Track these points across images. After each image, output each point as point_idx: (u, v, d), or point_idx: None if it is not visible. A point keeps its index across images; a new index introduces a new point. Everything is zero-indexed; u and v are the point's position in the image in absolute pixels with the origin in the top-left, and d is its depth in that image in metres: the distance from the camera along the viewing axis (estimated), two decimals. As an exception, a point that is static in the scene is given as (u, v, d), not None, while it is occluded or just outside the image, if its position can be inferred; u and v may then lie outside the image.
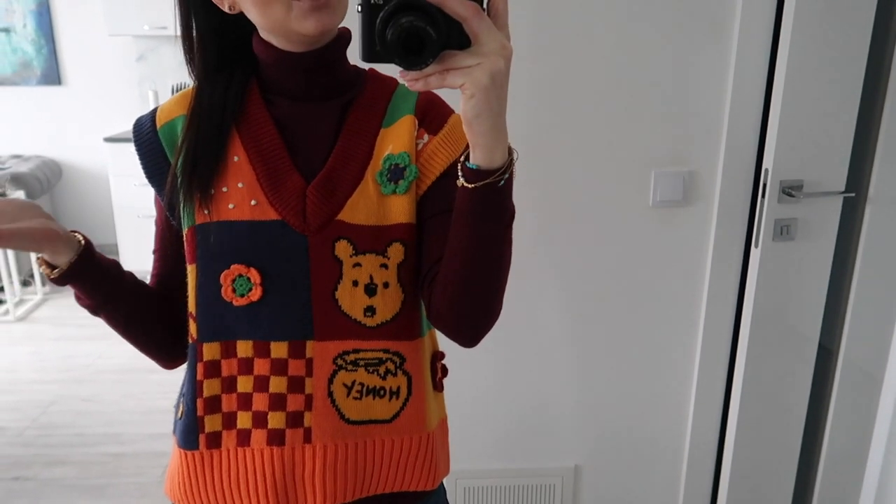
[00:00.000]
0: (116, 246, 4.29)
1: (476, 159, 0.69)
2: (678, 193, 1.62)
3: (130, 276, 0.89)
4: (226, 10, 0.81)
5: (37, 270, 4.03)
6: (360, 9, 0.63)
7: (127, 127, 4.45)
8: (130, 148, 4.35)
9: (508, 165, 0.69)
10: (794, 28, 1.46)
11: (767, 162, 1.56)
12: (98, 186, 4.64)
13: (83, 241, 0.82)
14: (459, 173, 0.71)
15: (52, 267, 0.81)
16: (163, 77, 4.41)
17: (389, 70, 0.76)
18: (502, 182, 0.70)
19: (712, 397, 1.77)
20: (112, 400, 2.96)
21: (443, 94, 0.80)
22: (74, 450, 2.61)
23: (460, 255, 0.76)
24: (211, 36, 0.85)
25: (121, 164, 4.03)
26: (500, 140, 0.68)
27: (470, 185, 0.70)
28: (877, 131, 1.58)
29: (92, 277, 0.83)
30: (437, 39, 0.61)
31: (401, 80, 0.66)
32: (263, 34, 0.83)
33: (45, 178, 4.42)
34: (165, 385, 3.01)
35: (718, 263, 1.67)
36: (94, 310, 0.87)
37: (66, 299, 4.09)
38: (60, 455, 2.58)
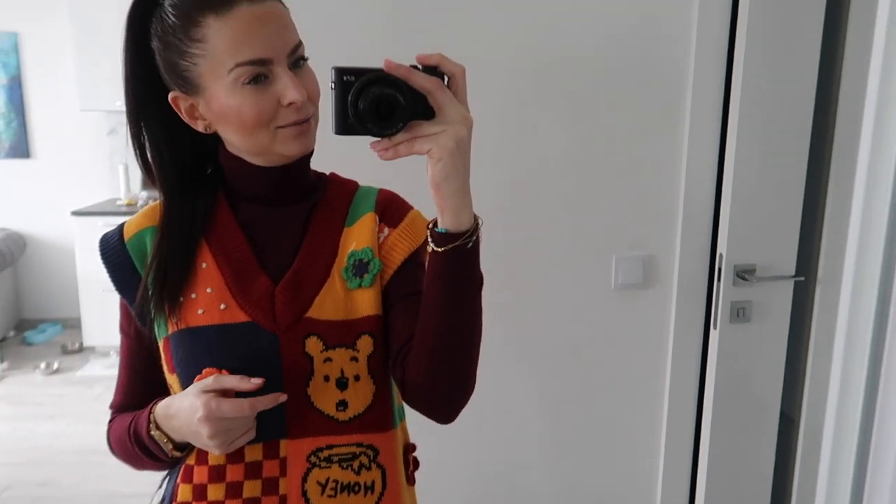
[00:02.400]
0: (80, 319, 4.22)
1: (444, 223, 0.74)
2: (638, 277, 1.68)
3: None
4: (200, 129, 0.84)
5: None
6: (332, 86, 0.70)
7: (95, 200, 4.43)
8: (98, 221, 4.24)
9: (475, 228, 0.75)
10: (740, 119, 1.55)
11: (721, 247, 1.63)
12: (62, 259, 4.58)
13: None
14: (429, 239, 0.76)
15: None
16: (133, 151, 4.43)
17: (354, 157, 0.80)
18: (470, 244, 0.75)
19: (680, 469, 1.79)
20: (70, 484, 2.86)
21: (404, 176, 0.84)
22: (28, 538, 2.51)
23: (434, 325, 0.79)
24: (173, 156, 0.86)
25: (88, 237, 4.00)
26: (466, 203, 0.74)
27: (440, 249, 0.74)
28: (822, 219, 1.67)
29: None
30: (406, 106, 0.68)
31: (372, 151, 0.71)
32: (233, 150, 0.86)
33: (8, 252, 4.37)
34: (125, 468, 2.90)
35: (679, 344, 1.72)
36: (174, 463, 0.89)
37: (25, 375, 3.96)
38: (13, 544, 2.47)
